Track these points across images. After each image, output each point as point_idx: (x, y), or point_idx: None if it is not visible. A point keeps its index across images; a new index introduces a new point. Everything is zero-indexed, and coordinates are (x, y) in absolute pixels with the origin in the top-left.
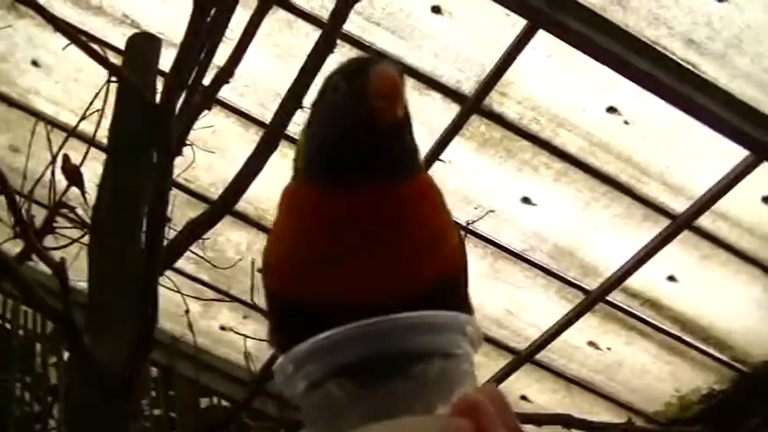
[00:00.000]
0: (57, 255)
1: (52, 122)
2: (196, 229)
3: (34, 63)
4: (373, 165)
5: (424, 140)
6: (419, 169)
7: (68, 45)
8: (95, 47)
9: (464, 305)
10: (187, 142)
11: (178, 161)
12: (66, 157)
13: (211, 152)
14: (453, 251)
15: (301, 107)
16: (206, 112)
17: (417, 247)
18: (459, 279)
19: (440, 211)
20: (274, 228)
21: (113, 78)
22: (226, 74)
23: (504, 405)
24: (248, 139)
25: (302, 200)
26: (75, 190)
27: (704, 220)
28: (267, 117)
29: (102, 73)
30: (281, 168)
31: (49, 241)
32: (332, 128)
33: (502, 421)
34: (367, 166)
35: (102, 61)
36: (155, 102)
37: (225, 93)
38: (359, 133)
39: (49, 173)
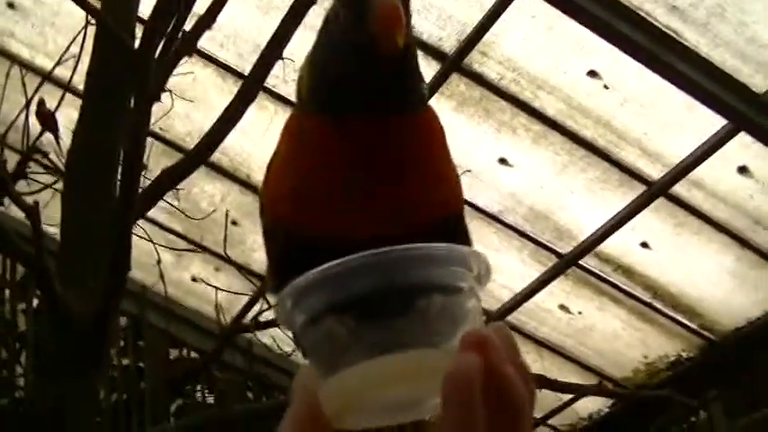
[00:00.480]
0: (30, 200)
1: (27, 66)
2: (170, 179)
3: (10, 5)
4: (378, 94)
5: None
6: (425, 103)
7: None
8: None
9: (468, 242)
10: (167, 90)
11: (155, 109)
12: (41, 102)
13: (189, 101)
14: (457, 187)
15: (281, 59)
16: (186, 59)
17: (424, 181)
18: (462, 216)
19: (445, 148)
20: (275, 158)
21: (91, 22)
22: (207, 21)
23: (511, 342)
24: (226, 91)
25: (306, 129)
26: (49, 135)
27: (680, 188)
28: (246, 69)
29: (80, 17)
30: (257, 120)
31: (21, 187)
32: (335, 56)
33: (508, 357)
34: (372, 95)
35: (81, 3)
36: (133, 47)
37: (204, 43)
38: (361, 61)
39: (22, 117)
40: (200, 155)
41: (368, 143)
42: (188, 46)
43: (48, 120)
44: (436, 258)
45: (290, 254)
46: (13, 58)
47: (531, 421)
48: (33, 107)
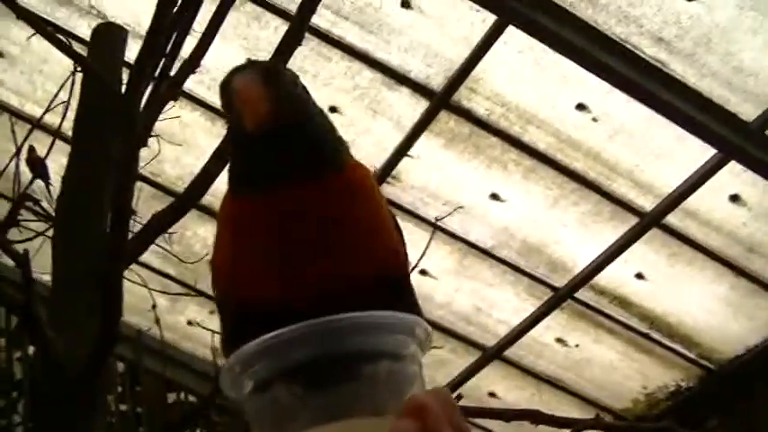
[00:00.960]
0: (22, 248)
1: (17, 114)
2: (162, 223)
3: None
4: (280, 167)
5: (392, 135)
6: (345, 162)
7: (33, 35)
8: (61, 37)
9: (413, 308)
10: (154, 134)
11: (144, 154)
12: (31, 148)
13: (178, 145)
14: (392, 249)
15: None
16: (172, 103)
17: (351, 241)
18: (404, 280)
19: (373, 206)
20: (216, 238)
21: (78, 69)
22: (191, 65)
23: (452, 406)
24: (215, 133)
25: (229, 210)
26: (40, 182)
27: (672, 218)
28: None
29: (68, 64)
30: None
31: (14, 234)
32: (234, 142)
33: (449, 422)
34: (273, 168)
35: (67, 51)
36: (120, 92)
37: (192, 86)
38: (244, 140)
39: (13, 165)
40: (191, 198)
41: (286, 212)
42: (173, 90)
43: (38, 166)
44: (380, 326)
45: (237, 324)
46: (3, 107)
47: None
48: (23, 155)
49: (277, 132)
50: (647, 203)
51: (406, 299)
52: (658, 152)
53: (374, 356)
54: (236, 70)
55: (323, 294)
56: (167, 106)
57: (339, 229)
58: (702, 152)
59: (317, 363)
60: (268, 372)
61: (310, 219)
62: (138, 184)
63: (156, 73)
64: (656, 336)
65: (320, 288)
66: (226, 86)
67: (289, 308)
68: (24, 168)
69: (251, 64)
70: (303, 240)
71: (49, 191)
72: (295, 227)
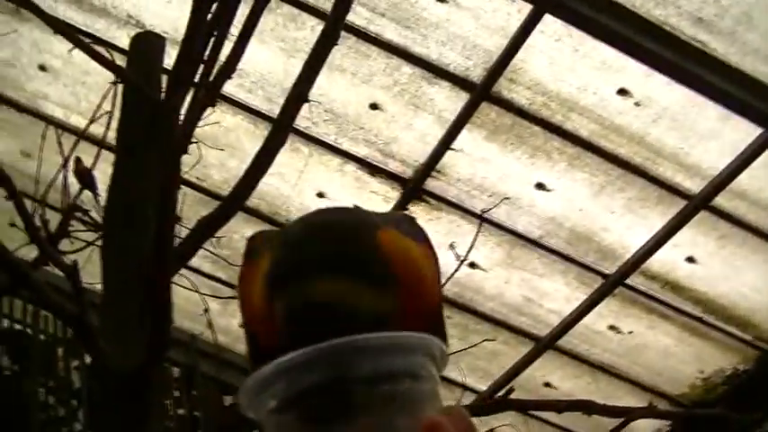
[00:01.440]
0: (73, 258)
1: (62, 126)
2: (209, 227)
3: (41, 67)
4: None
5: (434, 130)
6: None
7: (73, 48)
8: (100, 49)
9: (444, 335)
10: (195, 140)
11: (189, 160)
12: (77, 160)
13: (220, 149)
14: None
15: (307, 100)
16: (211, 109)
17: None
18: (441, 311)
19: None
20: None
21: (118, 79)
22: (228, 69)
23: (467, 424)
24: (258, 136)
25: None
26: (89, 193)
27: (721, 200)
28: (276, 113)
29: (109, 75)
30: (292, 163)
31: (65, 245)
32: None
33: None
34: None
35: (105, 62)
36: (159, 100)
37: (233, 90)
38: None
39: (61, 177)
40: (237, 201)
41: None
42: (211, 95)
43: (85, 176)
44: (398, 346)
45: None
46: (48, 120)
47: None
48: (71, 166)
49: None
50: (695, 186)
51: (441, 330)
52: (703, 134)
53: (392, 377)
54: None
55: None
56: (207, 112)
57: None
58: (748, 131)
59: (334, 384)
60: (284, 394)
61: None
62: (183, 189)
63: (196, 79)
64: (710, 319)
65: None
66: None
67: None
68: (72, 179)
69: None
70: None
71: (96, 201)
72: None
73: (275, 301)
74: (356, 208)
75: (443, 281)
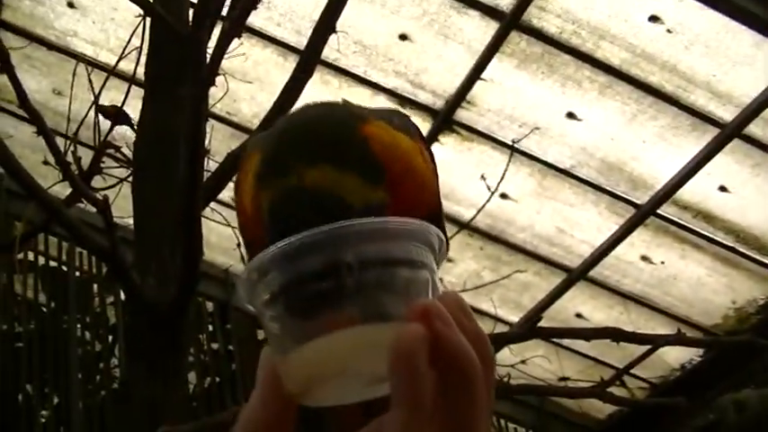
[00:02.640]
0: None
1: (92, 63)
2: (237, 161)
3: (70, 5)
4: None
5: (464, 60)
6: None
7: None
8: None
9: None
10: (222, 72)
11: (218, 94)
12: (100, 108)
13: (249, 82)
14: (436, 190)
15: (335, 31)
16: (238, 41)
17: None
18: (441, 212)
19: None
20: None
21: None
22: (252, 1)
23: (463, 310)
24: (287, 69)
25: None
26: (119, 129)
27: (754, 128)
28: (304, 45)
29: (137, 11)
30: (322, 96)
31: (98, 182)
32: None
33: (459, 325)
34: None
35: None
36: (186, 33)
37: (262, 23)
38: None
39: (92, 114)
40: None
41: None
42: (236, 27)
43: (117, 116)
44: (394, 232)
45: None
46: (78, 57)
47: (491, 388)
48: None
49: None
50: (728, 114)
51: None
52: (736, 60)
53: (387, 263)
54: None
55: None
56: (234, 44)
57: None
58: None
59: (327, 271)
60: (281, 280)
61: None
62: (214, 124)
63: (224, 12)
64: (742, 249)
65: None
66: None
67: None
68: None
69: None
70: None
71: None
72: None
73: (262, 197)
74: (345, 102)
75: (475, 212)
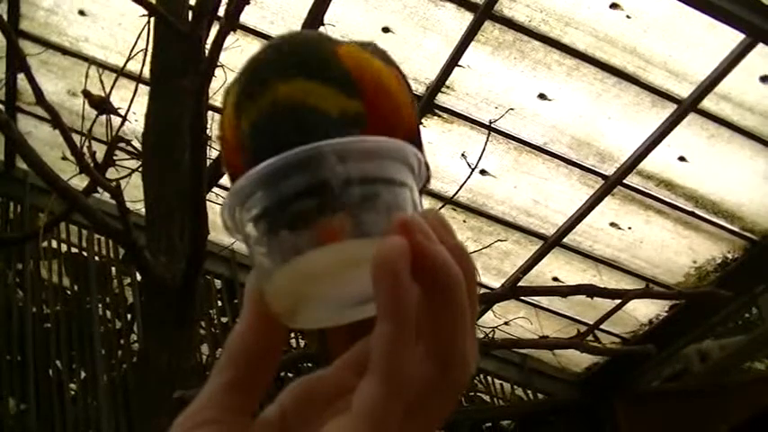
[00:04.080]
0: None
1: (103, 65)
2: None
3: (81, 12)
4: None
5: (442, 49)
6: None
7: None
8: None
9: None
10: (220, 65)
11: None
12: (87, 93)
13: None
14: (413, 115)
15: (322, 24)
16: (232, 35)
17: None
18: (419, 138)
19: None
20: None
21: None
22: None
23: (443, 223)
24: None
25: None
26: (130, 125)
27: (708, 103)
28: None
29: (143, 11)
30: None
31: (111, 173)
32: None
33: (441, 238)
34: None
35: (140, 1)
36: (186, 31)
37: (256, 21)
38: None
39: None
40: None
41: None
42: (230, 23)
43: (101, 104)
44: (372, 150)
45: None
46: (90, 60)
47: (474, 302)
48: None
49: None
50: (684, 91)
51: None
52: (690, 42)
53: (368, 181)
54: None
55: None
56: (229, 40)
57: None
58: (731, 38)
59: (307, 191)
60: (264, 202)
61: None
62: (213, 114)
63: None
64: (701, 213)
65: None
66: None
67: None
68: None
69: None
70: None
71: (122, 121)
72: None
73: (243, 124)
74: (319, 31)
75: (457, 188)
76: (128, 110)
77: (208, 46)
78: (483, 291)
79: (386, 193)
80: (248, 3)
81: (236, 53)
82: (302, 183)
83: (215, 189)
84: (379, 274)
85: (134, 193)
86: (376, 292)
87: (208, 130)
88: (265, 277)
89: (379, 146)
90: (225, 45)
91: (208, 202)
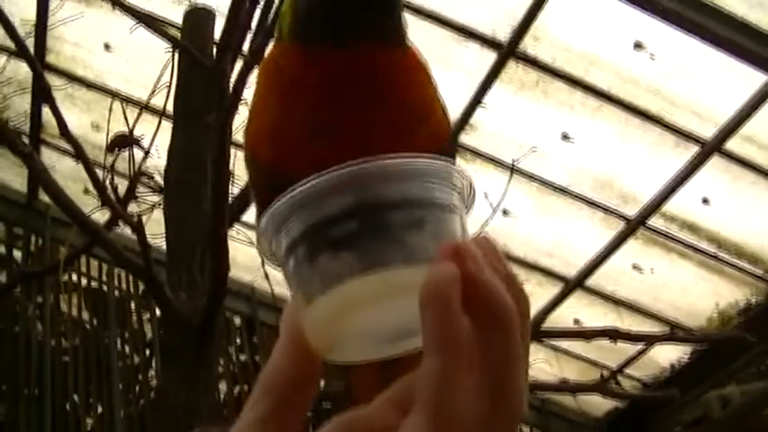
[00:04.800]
0: (143, 219)
1: (127, 99)
2: None
3: (106, 46)
4: (365, 18)
5: (466, 88)
6: (404, 37)
7: (136, 27)
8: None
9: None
10: (244, 101)
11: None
12: (112, 141)
13: None
14: (442, 124)
15: None
16: (256, 71)
17: (410, 115)
18: (454, 156)
19: (430, 82)
20: (255, 99)
21: (173, 49)
22: (270, 31)
23: (495, 251)
24: None
25: (287, 60)
26: (153, 160)
27: (732, 144)
28: None
29: (168, 46)
30: None
31: (133, 208)
32: None
33: (491, 266)
34: (359, 18)
35: (163, 33)
36: (211, 66)
37: None
38: None
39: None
40: None
41: (353, 73)
42: (254, 59)
43: (125, 143)
44: (416, 172)
45: (270, 191)
46: (113, 94)
47: (527, 334)
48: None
49: None
50: (707, 132)
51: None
52: (714, 83)
53: (408, 205)
54: None
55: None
56: (253, 75)
57: (403, 101)
58: (754, 79)
59: (350, 214)
60: (301, 226)
61: (377, 85)
62: (236, 151)
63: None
64: (724, 256)
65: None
66: None
67: None
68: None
69: None
70: (366, 107)
71: (145, 154)
72: (360, 90)
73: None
74: None
75: (479, 229)
76: (151, 143)
77: (232, 81)
78: None
79: (433, 218)
80: (273, 38)
81: None
82: (343, 205)
83: (237, 225)
84: (428, 303)
85: (155, 228)
86: (424, 323)
87: (231, 166)
88: (303, 307)
89: (426, 167)
90: (249, 80)
91: (229, 239)
